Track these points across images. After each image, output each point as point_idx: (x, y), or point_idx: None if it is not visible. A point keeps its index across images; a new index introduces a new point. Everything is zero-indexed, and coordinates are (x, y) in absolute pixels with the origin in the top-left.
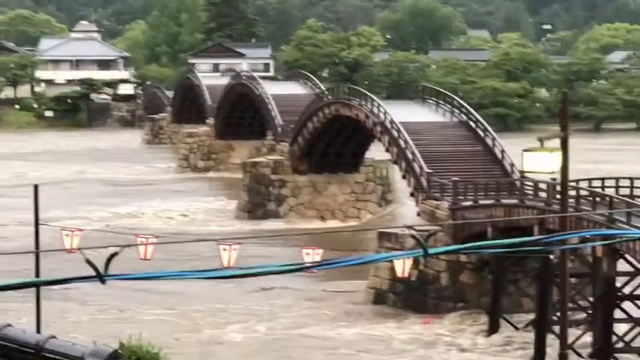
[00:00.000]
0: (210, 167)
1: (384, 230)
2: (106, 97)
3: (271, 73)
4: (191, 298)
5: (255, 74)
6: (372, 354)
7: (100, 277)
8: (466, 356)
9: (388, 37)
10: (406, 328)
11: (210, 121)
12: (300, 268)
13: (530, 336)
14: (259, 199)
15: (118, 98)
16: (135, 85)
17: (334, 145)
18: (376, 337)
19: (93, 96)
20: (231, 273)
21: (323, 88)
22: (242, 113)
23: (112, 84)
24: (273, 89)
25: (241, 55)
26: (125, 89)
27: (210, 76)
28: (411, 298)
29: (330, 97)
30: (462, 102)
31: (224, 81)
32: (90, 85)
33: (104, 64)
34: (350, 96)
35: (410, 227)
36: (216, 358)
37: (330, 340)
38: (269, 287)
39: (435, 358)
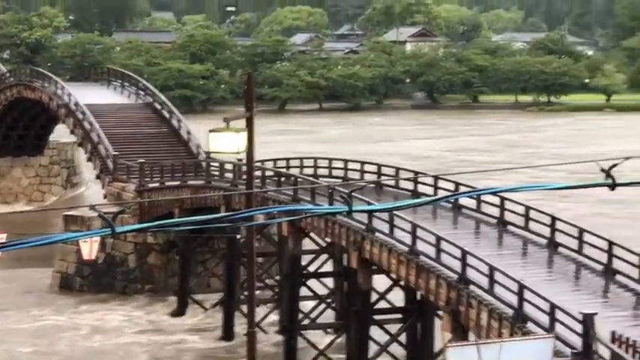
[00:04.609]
0: None
1: (69, 213)
2: None
3: None
4: None
5: None
6: (50, 343)
7: None
8: (155, 338)
9: (71, 18)
10: (91, 312)
11: None
12: None
13: (218, 316)
14: None
15: None
16: None
17: (17, 128)
18: (61, 324)
19: None
20: None
21: (4, 69)
22: None
23: None
24: None
25: None
26: None
27: None
28: (99, 281)
29: (11, 79)
30: (147, 84)
31: None
32: None
33: None
34: (33, 78)
35: (93, 207)
36: None
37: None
38: None
39: (123, 341)
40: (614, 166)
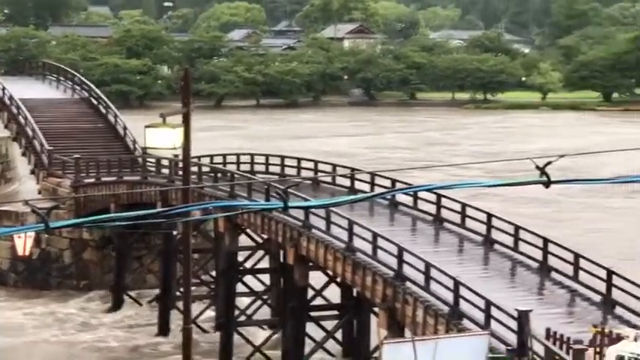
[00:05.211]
0: None
1: (3, 209)
2: None
3: None
4: None
5: None
6: None
7: None
8: (91, 335)
9: (6, 11)
10: (27, 308)
11: None
12: None
13: (154, 312)
14: None
15: None
16: None
17: None
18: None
19: None
20: None
21: None
22: None
23: None
24: None
25: None
26: None
27: None
28: (34, 277)
29: None
30: (83, 79)
31: None
32: None
33: None
34: None
35: (27, 202)
36: None
37: None
38: None
39: (59, 338)
40: (549, 163)
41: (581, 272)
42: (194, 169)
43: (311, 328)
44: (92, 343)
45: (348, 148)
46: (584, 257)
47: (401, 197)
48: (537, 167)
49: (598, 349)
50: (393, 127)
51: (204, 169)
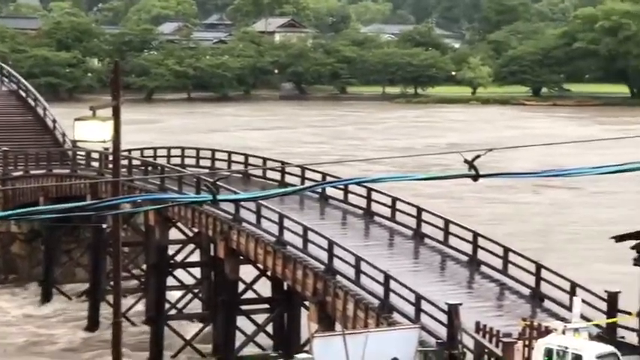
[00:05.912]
0: None
1: None
2: None
3: None
4: None
5: None
6: None
7: None
8: (19, 329)
9: None
10: None
11: None
12: None
13: (83, 306)
14: None
15: None
16: None
17: None
18: None
19: None
20: None
21: None
22: None
23: None
24: None
25: None
26: None
27: None
28: None
29: None
30: (11, 71)
31: None
32: None
33: None
34: None
35: None
36: None
37: None
38: None
39: None
40: (477, 157)
41: (510, 266)
42: (124, 162)
43: (242, 321)
44: (16, 338)
45: (255, 142)
46: (513, 251)
47: (331, 191)
48: (466, 161)
49: (527, 342)
50: (310, 121)
51: (135, 162)
